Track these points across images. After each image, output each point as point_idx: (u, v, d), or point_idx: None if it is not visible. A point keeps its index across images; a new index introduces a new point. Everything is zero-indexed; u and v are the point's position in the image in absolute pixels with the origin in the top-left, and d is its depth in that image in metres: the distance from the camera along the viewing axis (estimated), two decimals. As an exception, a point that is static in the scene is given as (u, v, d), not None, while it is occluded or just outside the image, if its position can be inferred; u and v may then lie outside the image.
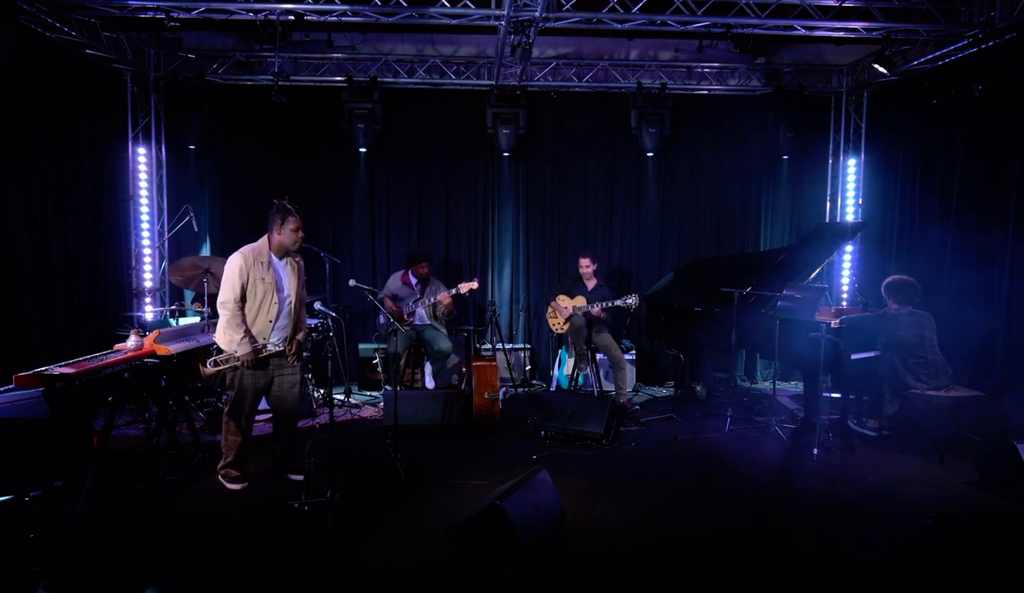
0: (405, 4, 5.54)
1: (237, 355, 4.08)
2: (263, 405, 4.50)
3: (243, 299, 4.10)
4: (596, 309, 6.05)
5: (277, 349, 4.21)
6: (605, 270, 6.52)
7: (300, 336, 4.35)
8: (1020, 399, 5.35)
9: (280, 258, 4.24)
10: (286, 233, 4.16)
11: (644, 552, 3.55)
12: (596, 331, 6.28)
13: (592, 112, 7.49)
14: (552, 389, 7.08)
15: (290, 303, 4.24)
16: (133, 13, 5.66)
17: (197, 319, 5.76)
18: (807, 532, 3.83)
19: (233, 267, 4.07)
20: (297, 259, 4.34)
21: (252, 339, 4.11)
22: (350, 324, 6.95)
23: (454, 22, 5.77)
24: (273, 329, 4.18)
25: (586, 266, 6.40)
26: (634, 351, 7.22)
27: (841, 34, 6.14)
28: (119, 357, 4.06)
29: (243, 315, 4.09)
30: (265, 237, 4.23)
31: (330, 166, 7.38)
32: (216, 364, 4.10)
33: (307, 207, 7.13)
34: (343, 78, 7.00)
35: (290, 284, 4.25)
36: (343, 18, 5.76)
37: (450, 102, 7.37)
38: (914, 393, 4.96)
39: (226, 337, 4.12)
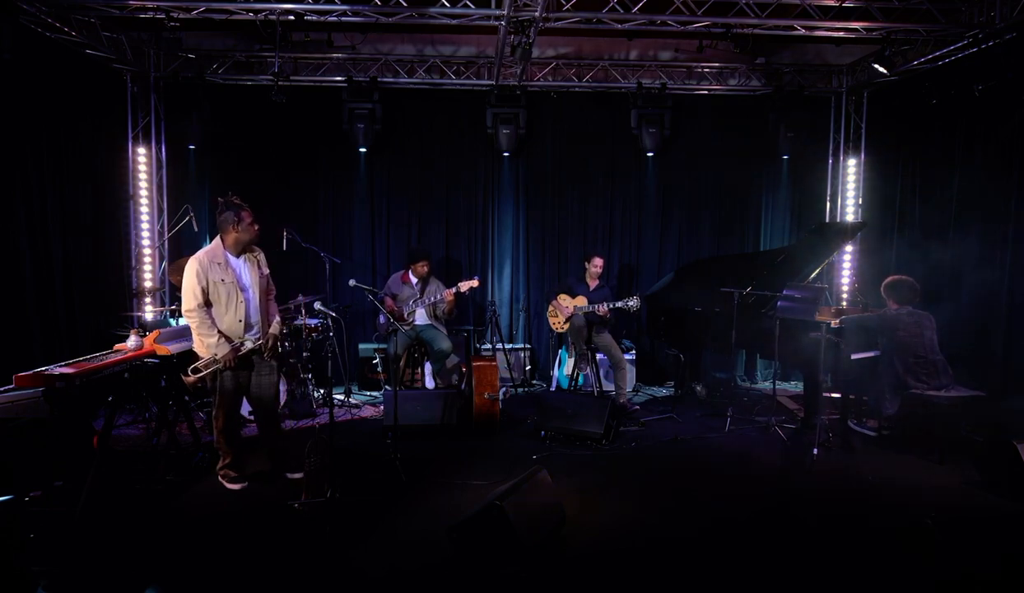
0: (405, 4, 5.53)
1: (218, 357, 4.06)
2: (246, 407, 4.49)
3: (208, 304, 4.09)
4: (603, 309, 6.04)
5: (256, 346, 4.21)
6: (605, 270, 6.53)
7: (273, 329, 4.31)
8: (1020, 399, 5.36)
9: (238, 255, 4.22)
10: (243, 229, 4.14)
11: (644, 552, 3.55)
12: (596, 331, 6.28)
13: (592, 112, 7.49)
14: (552, 389, 7.08)
15: (256, 299, 4.22)
16: (133, 13, 5.65)
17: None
18: (807, 532, 3.83)
19: (190, 273, 4.06)
20: (256, 252, 4.32)
21: (228, 339, 4.11)
22: (350, 324, 6.95)
23: (454, 22, 5.77)
24: (245, 327, 4.18)
25: (599, 266, 6.39)
26: (634, 351, 7.22)
27: (841, 34, 6.14)
28: (119, 357, 4.06)
29: (211, 319, 4.08)
30: (218, 238, 4.20)
31: (330, 166, 7.38)
32: (197, 370, 4.07)
33: (307, 207, 7.31)
34: (343, 78, 7.00)
35: (252, 279, 4.23)
36: (343, 18, 5.76)
37: (450, 102, 7.37)
38: (914, 393, 4.95)
39: (202, 344, 4.09)
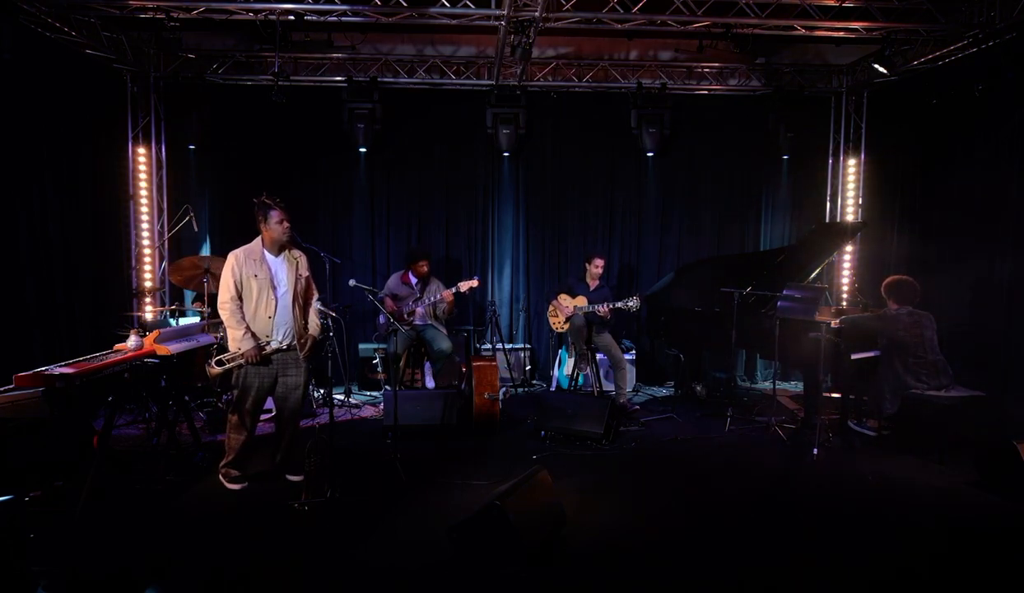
0: (405, 4, 5.53)
1: (241, 351, 4.10)
2: (268, 404, 4.49)
3: (240, 298, 4.15)
4: (604, 309, 6.04)
5: (281, 346, 4.22)
6: (605, 270, 6.53)
7: (313, 330, 4.36)
8: (1020, 399, 5.36)
9: (276, 254, 4.26)
10: (272, 227, 4.19)
11: (644, 552, 3.55)
12: (596, 331, 6.28)
13: (592, 112, 7.49)
14: (552, 389, 7.08)
15: (289, 299, 4.24)
16: (133, 13, 5.66)
17: (197, 319, 5.76)
18: (807, 532, 3.82)
19: (226, 267, 4.16)
20: (297, 254, 4.35)
21: (254, 336, 4.13)
22: (350, 324, 6.93)
23: (454, 22, 5.77)
24: (274, 326, 4.20)
25: (600, 266, 6.39)
26: (634, 351, 7.22)
27: (841, 34, 6.14)
28: (119, 357, 4.06)
29: (242, 313, 4.14)
30: (259, 237, 4.27)
31: (330, 166, 7.38)
32: (222, 363, 4.12)
33: (307, 207, 7.30)
34: (343, 78, 7.00)
35: (287, 280, 4.25)
36: (343, 18, 5.76)
37: (450, 102, 7.37)
38: (914, 393, 4.95)
39: (230, 336, 4.16)
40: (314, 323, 4.39)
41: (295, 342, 4.28)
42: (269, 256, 4.24)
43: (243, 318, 4.13)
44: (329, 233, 7.41)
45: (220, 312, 4.17)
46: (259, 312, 4.17)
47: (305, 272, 4.38)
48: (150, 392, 4.98)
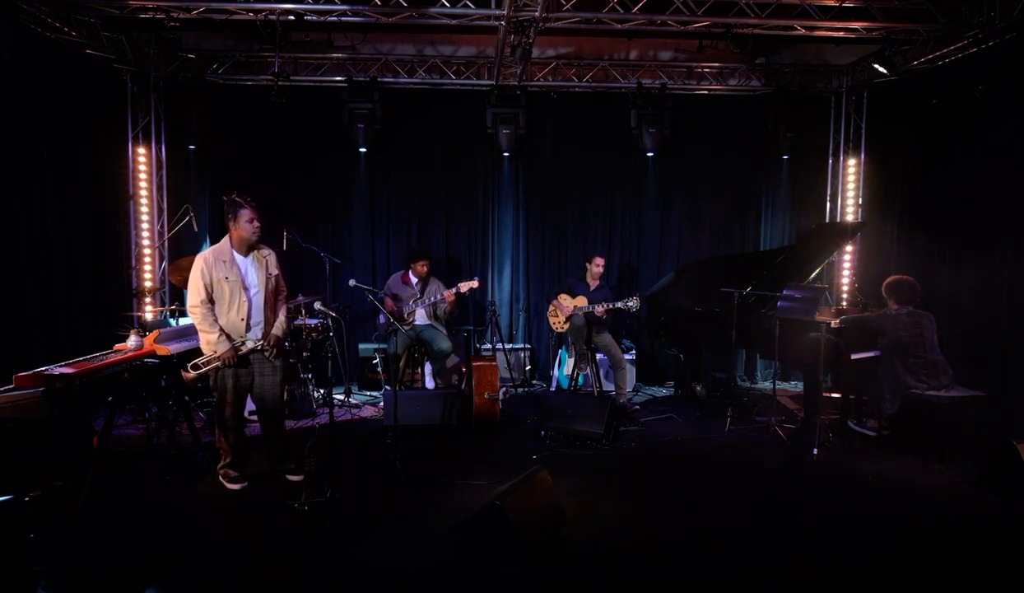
0: (405, 4, 5.54)
1: (218, 354, 4.09)
2: (251, 406, 4.48)
3: (211, 301, 4.13)
4: (600, 310, 6.04)
5: (257, 346, 4.21)
6: (605, 270, 6.54)
7: (276, 329, 4.30)
8: (1020, 399, 5.36)
9: (245, 254, 4.23)
10: (242, 226, 4.16)
11: (644, 552, 3.55)
12: (596, 331, 6.28)
13: (592, 112, 7.49)
14: (552, 389, 7.08)
15: (260, 299, 4.23)
16: (133, 13, 5.65)
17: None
18: (807, 532, 3.83)
19: (195, 271, 4.12)
20: (265, 253, 4.33)
21: (229, 337, 4.12)
22: (350, 324, 6.94)
23: (454, 22, 5.77)
24: (248, 326, 4.19)
25: (600, 265, 6.39)
26: (634, 351, 7.22)
27: (841, 34, 6.14)
28: (119, 357, 4.07)
29: (214, 316, 4.12)
30: (227, 237, 4.24)
31: (330, 166, 7.38)
32: (197, 367, 4.09)
33: (307, 207, 7.31)
34: (343, 78, 7.01)
35: (257, 279, 4.23)
36: (343, 18, 5.76)
37: (450, 102, 7.37)
38: (914, 393, 4.95)
39: (203, 340, 4.14)
40: (280, 322, 4.34)
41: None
42: (238, 257, 4.21)
43: (215, 321, 4.11)
44: (329, 233, 7.41)
45: (191, 316, 4.15)
46: (231, 314, 4.15)
47: (275, 271, 4.35)
48: (150, 392, 4.99)
